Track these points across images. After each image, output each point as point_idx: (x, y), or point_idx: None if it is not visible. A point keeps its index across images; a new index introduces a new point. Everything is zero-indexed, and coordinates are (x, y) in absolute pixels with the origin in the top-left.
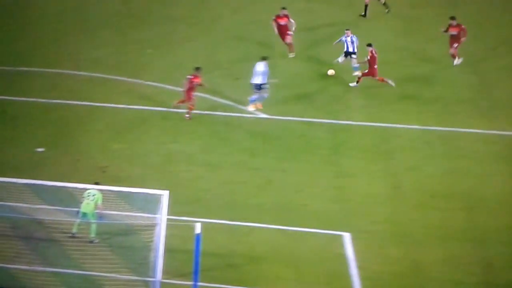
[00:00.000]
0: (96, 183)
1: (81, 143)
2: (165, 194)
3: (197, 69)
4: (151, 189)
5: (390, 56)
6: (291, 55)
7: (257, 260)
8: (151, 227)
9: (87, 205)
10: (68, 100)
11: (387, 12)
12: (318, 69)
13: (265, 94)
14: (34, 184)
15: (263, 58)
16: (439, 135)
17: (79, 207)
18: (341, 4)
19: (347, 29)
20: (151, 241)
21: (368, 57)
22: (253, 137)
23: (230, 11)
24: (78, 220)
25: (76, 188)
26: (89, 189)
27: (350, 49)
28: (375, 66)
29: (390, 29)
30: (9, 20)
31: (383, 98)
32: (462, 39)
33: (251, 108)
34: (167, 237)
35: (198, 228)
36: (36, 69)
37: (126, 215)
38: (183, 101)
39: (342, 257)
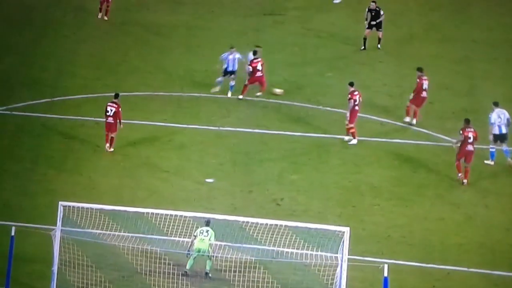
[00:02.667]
0: (207, 222)
1: (254, 173)
2: (346, 231)
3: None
4: (331, 225)
5: None
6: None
7: None
8: (331, 267)
9: (201, 242)
10: (239, 127)
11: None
12: None
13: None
14: (202, 218)
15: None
16: None
17: (189, 248)
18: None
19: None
20: (332, 283)
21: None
22: (451, 167)
23: None
24: (191, 259)
25: (247, 222)
26: (202, 227)
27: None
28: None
29: None
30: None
31: None
32: None
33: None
34: (349, 279)
35: (385, 270)
36: (204, 94)
37: (303, 253)
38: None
39: None
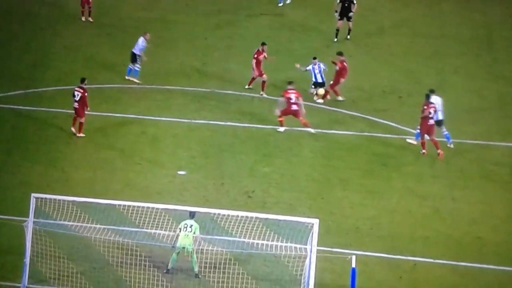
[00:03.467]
0: (192, 214)
1: (226, 165)
2: (316, 223)
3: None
4: (301, 217)
5: None
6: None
7: None
8: (301, 258)
9: (186, 238)
10: (211, 120)
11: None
12: None
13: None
14: (174, 210)
15: None
16: None
17: (174, 242)
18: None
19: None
20: (301, 275)
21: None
22: (419, 160)
23: None
24: (174, 255)
25: (218, 214)
26: (184, 220)
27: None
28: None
29: None
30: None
31: None
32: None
33: None
34: (318, 270)
35: (353, 262)
36: (177, 87)
37: (273, 245)
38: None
39: None
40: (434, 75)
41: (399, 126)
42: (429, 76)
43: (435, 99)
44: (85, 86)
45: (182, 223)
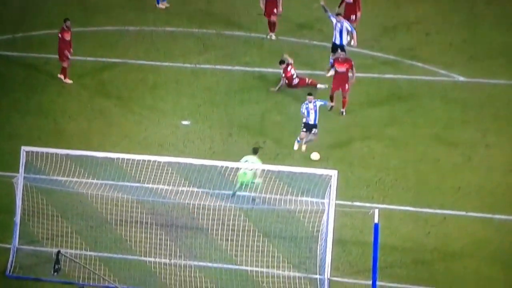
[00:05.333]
0: (255, 150)
1: (234, 114)
2: (334, 174)
3: None
4: (317, 169)
5: None
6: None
7: (452, 256)
8: (317, 213)
9: (244, 175)
10: (217, 64)
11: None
12: None
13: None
14: (178, 163)
15: None
16: None
17: (233, 189)
18: None
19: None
20: (318, 231)
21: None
22: (448, 104)
23: None
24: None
25: (226, 166)
26: (247, 156)
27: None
28: None
29: None
30: None
31: None
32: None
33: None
34: (337, 226)
35: (376, 216)
36: (179, 29)
37: (286, 199)
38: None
39: None
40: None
41: (426, 66)
42: (458, 11)
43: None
44: (66, 27)
45: (243, 158)
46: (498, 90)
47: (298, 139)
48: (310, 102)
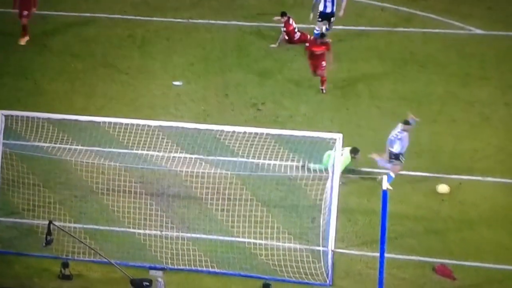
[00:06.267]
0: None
1: (230, 73)
2: (339, 138)
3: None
4: (321, 132)
5: None
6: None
7: (468, 225)
8: (321, 181)
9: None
10: (212, 19)
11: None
12: None
13: None
14: (169, 127)
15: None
16: None
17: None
18: None
19: None
20: (321, 200)
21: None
22: (464, 59)
23: None
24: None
25: (221, 130)
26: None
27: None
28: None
29: None
30: None
31: None
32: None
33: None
34: (342, 193)
35: (384, 182)
36: None
37: (287, 166)
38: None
39: None
40: None
41: (440, 18)
42: None
43: None
44: None
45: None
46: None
47: None
48: None
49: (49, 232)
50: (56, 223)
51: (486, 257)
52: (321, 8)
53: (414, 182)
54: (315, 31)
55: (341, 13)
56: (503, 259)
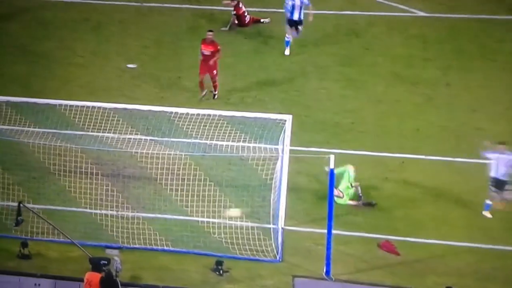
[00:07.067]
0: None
1: (184, 56)
2: (289, 119)
3: None
4: (271, 113)
5: None
6: None
7: (412, 202)
8: (271, 160)
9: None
10: (165, 2)
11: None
12: None
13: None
14: (124, 109)
15: None
16: None
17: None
18: None
19: None
20: (272, 179)
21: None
22: (407, 41)
23: None
24: None
25: (175, 112)
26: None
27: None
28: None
29: None
30: None
31: None
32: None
33: None
34: (292, 172)
35: (332, 162)
36: None
37: (239, 146)
38: None
39: None
40: None
41: (384, 1)
42: None
43: None
44: None
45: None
46: (460, 24)
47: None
48: None
49: (19, 213)
50: (14, 204)
51: (429, 233)
52: (288, 15)
53: (360, 161)
54: (286, 38)
55: (310, 18)
56: (445, 235)
